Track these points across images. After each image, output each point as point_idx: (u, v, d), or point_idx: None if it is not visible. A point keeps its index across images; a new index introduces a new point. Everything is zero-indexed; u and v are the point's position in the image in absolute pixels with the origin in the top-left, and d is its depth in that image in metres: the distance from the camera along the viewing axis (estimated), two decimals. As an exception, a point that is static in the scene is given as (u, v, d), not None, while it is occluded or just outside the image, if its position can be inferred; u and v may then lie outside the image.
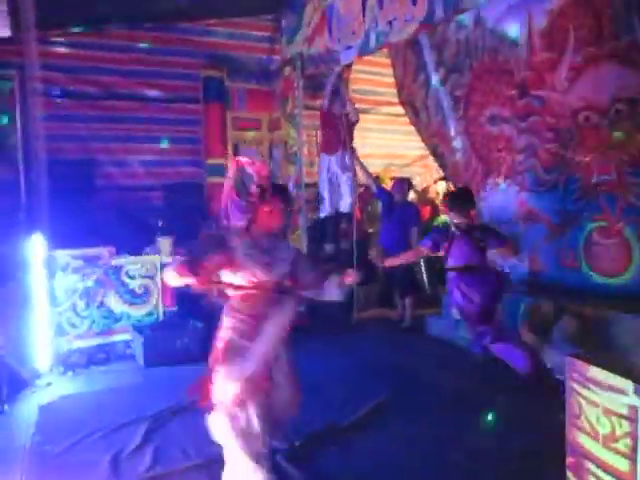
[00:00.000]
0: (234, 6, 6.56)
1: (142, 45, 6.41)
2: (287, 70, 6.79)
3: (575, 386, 2.39)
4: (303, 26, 6.49)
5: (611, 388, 2.17)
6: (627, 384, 2.10)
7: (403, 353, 5.29)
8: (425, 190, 8.31)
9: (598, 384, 2.24)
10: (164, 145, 6.62)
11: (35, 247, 4.84)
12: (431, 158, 7.10)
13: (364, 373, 4.70)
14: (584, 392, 2.33)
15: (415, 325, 6.06)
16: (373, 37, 5.30)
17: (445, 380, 4.45)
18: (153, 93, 6.53)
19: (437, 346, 5.51)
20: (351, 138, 6.42)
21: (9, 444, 3.50)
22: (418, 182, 8.27)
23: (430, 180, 8.30)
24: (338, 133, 6.32)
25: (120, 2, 5.53)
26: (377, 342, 5.71)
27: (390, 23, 5.01)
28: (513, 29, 5.05)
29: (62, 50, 6.07)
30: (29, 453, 3.37)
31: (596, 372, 2.26)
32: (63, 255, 5.06)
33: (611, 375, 2.18)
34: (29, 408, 4.11)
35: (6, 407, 4.07)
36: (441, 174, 7.51)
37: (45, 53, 5.65)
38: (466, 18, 5.37)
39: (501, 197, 5.52)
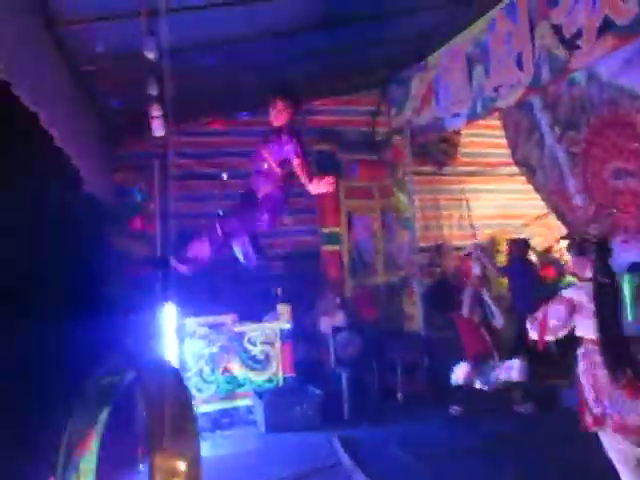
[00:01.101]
0: (345, 84, 6.95)
1: (259, 129, 6.94)
2: (396, 139, 6.99)
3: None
4: (410, 97, 6.70)
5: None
6: None
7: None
8: (547, 250, 7.93)
9: None
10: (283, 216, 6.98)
11: (168, 316, 5.24)
12: (551, 217, 6.82)
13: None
14: None
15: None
16: (480, 104, 5.36)
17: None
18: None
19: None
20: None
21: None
22: (539, 242, 7.93)
23: (551, 239, 7.91)
24: (482, 339, 5.69)
25: (242, 94, 6.10)
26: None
27: (497, 89, 5.06)
28: (632, 82, 4.87)
29: (191, 138, 6.72)
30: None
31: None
32: (192, 323, 5.42)
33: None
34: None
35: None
36: (563, 232, 7.14)
37: (177, 142, 6.38)
38: (578, 75, 5.27)
39: (629, 256, 5.14)
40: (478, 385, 5.48)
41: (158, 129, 4.52)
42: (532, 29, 4.50)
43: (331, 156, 7.01)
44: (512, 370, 5.36)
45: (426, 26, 5.44)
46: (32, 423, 2.96)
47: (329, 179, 3.64)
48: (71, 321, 3.79)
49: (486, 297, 5.62)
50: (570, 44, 4.15)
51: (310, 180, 3.75)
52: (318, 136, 7.02)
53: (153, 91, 3.88)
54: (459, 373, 5.50)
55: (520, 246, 6.29)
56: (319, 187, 3.67)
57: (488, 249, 7.56)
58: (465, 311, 5.62)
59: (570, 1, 4.08)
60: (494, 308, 5.56)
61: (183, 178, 6.66)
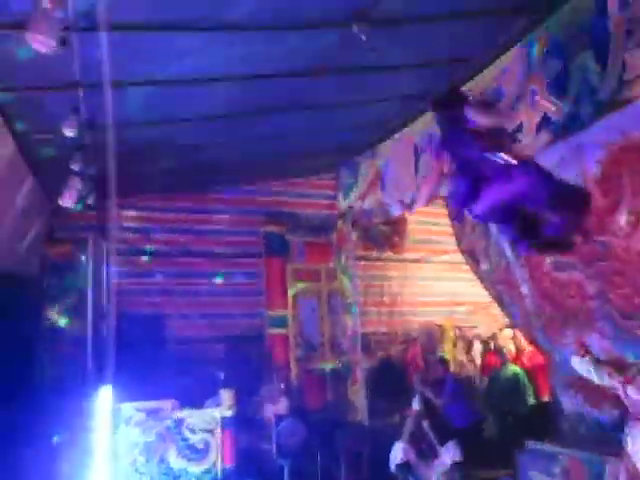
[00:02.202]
0: (297, 167, 7.11)
1: (210, 206, 6.96)
2: (340, 223, 7.14)
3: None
4: (357, 183, 6.93)
5: None
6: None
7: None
8: (491, 338, 8.07)
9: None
10: (226, 298, 6.85)
11: (103, 399, 4.90)
12: (494, 306, 6.98)
13: None
14: None
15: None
16: (426, 191, 5.58)
17: None
18: (219, 249, 6.95)
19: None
20: None
21: None
22: (483, 330, 8.08)
23: (495, 328, 8.07)
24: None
25: (189, 183, 6.16)
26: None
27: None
28: (568, 178, 5.17)
29: (135, 213, 6.65)
30: None
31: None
32: (128, 408, 5.09)
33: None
34: None
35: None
36: (506, 322, 7.32)
37: (120, 217, 6.36)
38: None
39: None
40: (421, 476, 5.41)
41: (66, 199, 4.43)
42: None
43: (280, 237, 7.04)
44: (448, 453, 5.37)
45: (379, 116, 5.70)
46: None
47: None
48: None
49: (426, 428, 5.69)
50: (511, 137, 4.43)
51: None
52: (268, 217, 7.08)
53: (76, 167, 3.86)
54: (398, 450, 5.43)
55: (444, 365, 6.71)
56: None
57: (436, 337, 7.64)
58: (405, 437, 5.65)
59: (511, 98, 4.40)
60: (434, 439, 5.61)
61: (130, 254, 6.51)
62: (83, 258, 5.61)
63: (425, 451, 5.57)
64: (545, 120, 4.14)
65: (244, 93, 4.43)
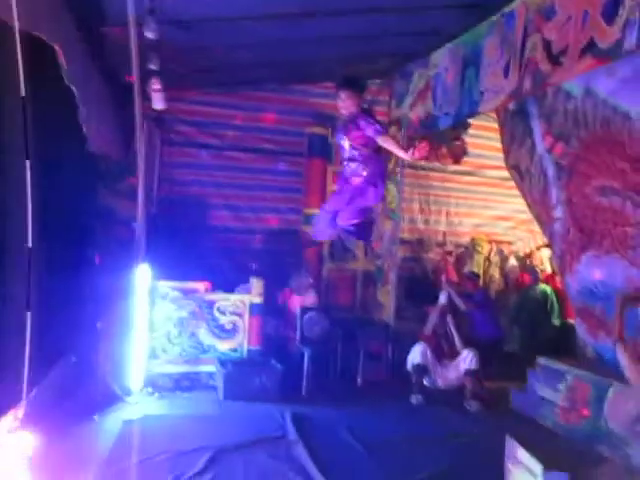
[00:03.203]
0: (348, 71, 6.94)
1: (260, 104, 7.00)
2: (392, 130, 7.03)
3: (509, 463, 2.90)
4: (410, 91, 6.74)
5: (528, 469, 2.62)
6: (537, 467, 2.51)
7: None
8: (527, 255, 8.05)
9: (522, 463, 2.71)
10: (267, 194, 7.08)
11: (142, 276, 5.37)
12: (535, 223, 6.92)
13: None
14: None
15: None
16: (466, 106, 5.44)
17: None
18: (265, 147, 7.08)
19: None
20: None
21: (90, 451, 3.87)
22: (521, 247, 8.04)
23: (533, 246, 8.02)
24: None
25: (241, 80, 6.14)
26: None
27: (482, 93, 5.12)
28: (627, 102, 4.91)
29: (192, 107, 6.80)
30: (105, 463, 3.69)
31: (522, 453, 2.73)
32: (164, 286, 5.56)
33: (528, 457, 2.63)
34: (115, 421, 4.51)
35: (96, 417, 4.49)
36: (545, 240, 7.26)
37: (179, 110, 6.59)
38: (575, 88, 5.31)
39: (602, 271, 5.25)
40: (432, 380, 5.73)
41: (158, 102, 4.61)
42: (524, 40, 4.54)
43: (324, 139, 7.06)
44: (465, 361, 5.64)
45: (434, 24, 5.46)
46: None
47: (423, 145, 3.73)
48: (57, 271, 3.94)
49: (450, 324, 5.96)
50: (555, 59, 4.21)
51: (404, 150, 3.85)
52: (312, 119, 7.07)
53: (153, 66, 3.96)
54: (417, 352, 5.74)
55: (474, 281, 6.91)
56: (415, 154, 3.75)
57: (468, 251, 7.70)
58: (428, 329, 6.00)
59: (563, 18, 4.12)
60: (456, 336, 5.88)
61: (183, 145, 6.77)
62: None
63: (445, 350, 5.87)
64: (590, 45, 3.88)
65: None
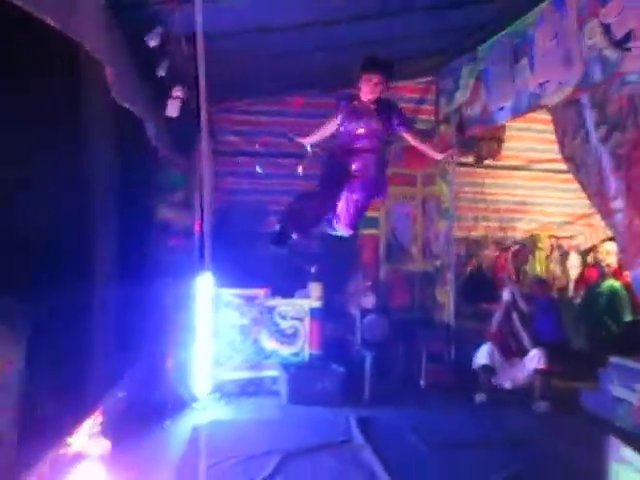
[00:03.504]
0: (396, 70, 6.92)
1: (305, 110, 7.06)
2: (443, 128, 6.95)
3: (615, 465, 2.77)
4: (460, 88, 6.63)
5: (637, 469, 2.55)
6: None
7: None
8: (590, 250, 7.76)
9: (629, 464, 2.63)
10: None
11: (205, 284, 5.51)
12: (596, 216, 6.66)
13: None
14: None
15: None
16: (525, 99, 5.27)
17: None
18: (315, 152, 7.10)
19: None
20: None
21: (162, 456, 4.00)
22: (581, 241, 7.77)
23: (596, 239, 7.72)
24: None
25: (283, 88, 6.22)
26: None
27: (542, 85, 4.96)
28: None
29: (239, 117, 6.98)
30: (177, 467, 3.81)
31: (627, 452, 2.67)
32: (227, 293, 5.69)
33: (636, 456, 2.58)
34: (185, 427, 4.64)
35: (167, 422, 4.64)
36: (608, 233, 6.98)
37: (227, 120, 6.81)
38: (630, 76, 5.09)
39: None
40: (501, 381, 5.59)
41: (172, 110, 4.62)
42: (581, 27, 4.38)
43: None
44: (532, 360, 5.47)
45: (477, 17, 5.37)
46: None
47: (451, 151, 3.72)
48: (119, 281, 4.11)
49: (516, 321, 5.81)
50: (621, 46, 4.03)
51: (433, 148, 3.82)
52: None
53: (161, 72, 4.02)
54: (483, 352, 5.64)
55: (543, 287, 6.73)
56: (444, 155, 3.72)
57: (528, 247, 7.50)
58: (494, 327, 5.88)
59: (621, 1, 3.96)
60: (523, 333, 5.74)
61: (231, 155, 6.93)
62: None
63: (513, 348, 5.74)
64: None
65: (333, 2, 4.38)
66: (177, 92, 4.37)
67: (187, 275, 5.44)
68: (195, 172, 6.16)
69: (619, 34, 4.02)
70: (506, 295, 5.92)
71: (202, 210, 5.59)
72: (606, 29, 4.13)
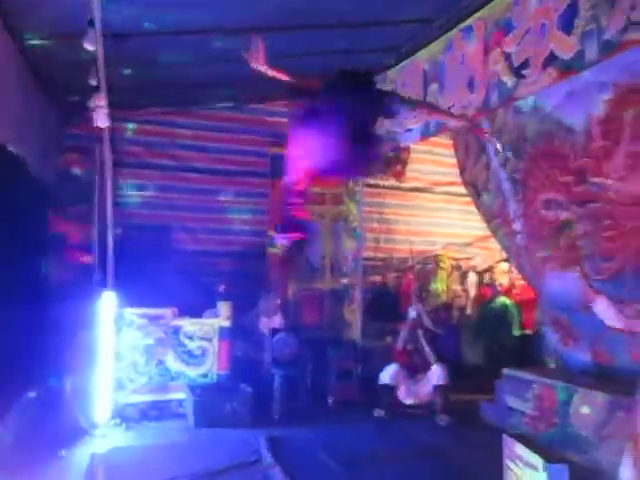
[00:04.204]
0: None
1: (217, 124, 7.00)
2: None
3: (508, 461, 2.97)
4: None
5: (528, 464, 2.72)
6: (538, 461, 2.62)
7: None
8: (486, 270, 8.26)
9: (521, 459, 2.79)
10: (232, 215, 7.05)
11: (107, 303, 5.23)
12: (492, 240, 7.12)
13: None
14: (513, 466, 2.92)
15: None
16: (433, 122, 5.54)
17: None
18: (224, 167, 7.06)
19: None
20: None
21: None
22: (479, 262, 8.26)
23: (491, 261, 8.25)
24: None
25: (200, 88, 6.12)
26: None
27: (449, 109, 5.24)
28: (571, 116, 5.14)
29: (144, 127, 6.71)
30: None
31: (520, 449, 2.83)
32: (130, 313, 5.43)
33: (528, 452, 2.73)
34: (83, 455, 4.33)
35: (63, 452, 4.31)
36: (503, 255, 7.47)
37: (128, 130, 6.51)
38: (524, 104, 5.52)
39: (560, 283, 5.44)
40: (404, 396, 5.77)
41: (101, 120, 4.44)
42: (486, 54, 4.72)
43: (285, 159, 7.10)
44: (434, 375, 5.71)
45: (391, 40, 5.59)
46: None
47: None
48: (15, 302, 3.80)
49: (421, 337, 6.03)
50: (517, 73, 4.38)
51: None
52: (274, 138, 7.11)
53: (93, 81, 3.85)
54: (388, 373, 5.79)
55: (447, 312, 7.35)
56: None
57: (431, 267, 7.84)
58: (400, 345, 6.05)
59: (521, 31, 4.31)
60: (427, 349, 5.96)
61: (132, 166, 6.65)
62: (89, 168, 5.76)
63: (418, 364, 5.94)
64: (552, 57, 4.06)
65: (243, 13, 4.39)
66: (99, 101, 4.14)
67: (87, 293, 5.14)
68: (95, 185, 5.89)
69: (517, 62, 4.36)
70: (412, 313, 6.14)
71: (103, 224, 5.31)
72: (507, 57, 4.48)
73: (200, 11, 4.27)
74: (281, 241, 3.30)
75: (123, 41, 4.24)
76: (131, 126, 6.57)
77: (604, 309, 4.92)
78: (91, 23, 3.52)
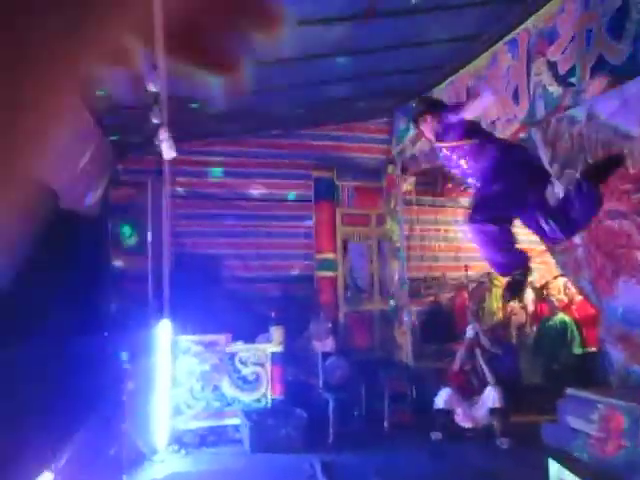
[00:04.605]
0: (349, 112, 7.13)
1: (262, 151, 7.15)
2: (391, 168, 7.17)
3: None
4: (410, 128, 6.89)
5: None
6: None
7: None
8: (543, 286, 8.01)
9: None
10: (278, 241, 7.13)
11: (164, 332, 5.37)
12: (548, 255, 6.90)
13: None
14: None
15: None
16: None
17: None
18: (271, 192, 7.18)
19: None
20: None
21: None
22: (537, 278, 8.02)
23: (549, 276, 7.99)
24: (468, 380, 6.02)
25: (246, 117, 6.29)
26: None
27: (493, 123, 5.19)
28: (627, 123, 4.98)
29: (193, 158, 6.88)
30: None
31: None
32: (185, 340, 5.56)
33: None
34: (143, 482, 4.44)
35: (125, 478, 4.42)
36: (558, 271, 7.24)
37: (179, 161, 6.61)
38: (579, 114, 5.39)
39: (630, 296, 5.21)
40: (460, 419, 5.63)
41: (168, 151, 4.65)
42: (529, 65, 4.65)
43: (330, 182, 7.18)
44: (489, 399, 5.55)
45: (434, 59, 5.63)
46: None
47: None
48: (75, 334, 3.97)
49: (479, 357, 5.90)
50: (564, 81, 4.29)
51: None
52: (317, 161, 7.20)
53: (157, 119, 4.05)
54: (441, 397, 5.69)
55: (505, 332, 7.16)
56: None
57: (485, 285, 7.67)
58: (456, 365, 5.94)
59: (566, 39, 4.23)
60: (485, 369, 5.81)
61: (185, 197, 6.86)
62: (143, 201, 5.97)
63: (475, 385, 5.81)
64: (601, 63, 3.95)
65: (292, 40, 4.49)
66: (163, 134, 4.37)
67: (144, 322, 5.30)
68: (148, 217, 6.09)
69: (563, 70, 4.28)
70: (470, 332, 6.02)
71: (159, 256, 5.50)
72: (551, 66, 4.40)
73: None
74: None
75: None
76: (183, 158, 6.77)
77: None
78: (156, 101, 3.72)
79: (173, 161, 6.58)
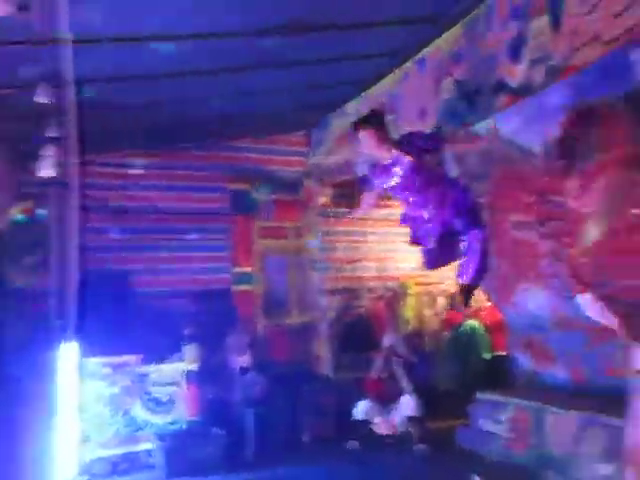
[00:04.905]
0: (266, 125, 7.06)
1: (176, 163, 6.91)
2: (307, 180, 7.21)
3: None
4: (325, 141, 6.95)
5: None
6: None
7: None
8: (455, 294, 8.28)
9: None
10: (192, 255, 6.88)
11: (68, 354, 4.99)
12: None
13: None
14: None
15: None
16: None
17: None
18: (185, 206, 6.94)
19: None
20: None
21: None
22: (449, 286, 8.29)
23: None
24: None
25: (158, 129, 6.08)
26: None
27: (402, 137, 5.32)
28: (529, 140, 5.27)
29: (100, 170, 6.47)
30: None
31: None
32: (93, 362, 5.21)
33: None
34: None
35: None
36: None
37: (90, 173, 6.21)
38: (482, 130, 5.65)
39: (533, 303, 5.50)
40: (378, 428, 5.73)
41: (45, 169, 4.27)
42: (438, 83, 4.83)
43: (247, 195, 7.08)
44: (405, 406, 5.73)
45: (350, 74, 5.67)
46: None
47: None
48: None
49: (396, 365, 6.07)
50: (469, 100, 4.50)
51: None
52: (235, 174, 7.07)
53: (52, 133, 3.74)
54: (360, 409, 5.81)
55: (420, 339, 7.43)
56: None
57: (398, 293, 7.84)
58: (374, 375, 6.10)
59: (472, 59, 4.44)
60: (402, 375, 5.99)
61: (92, 210, 6.45)
62: (46, 214, 5.56)
63: (392, 392, 5.92)
64: (502, 84, 4.19)
65: (210, 52, 4.39)
66: (47, 151, 4.00)
67: (45, 344, 4.90)
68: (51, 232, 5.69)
69: (469, 89, 4.47)
70: (387, 341, 6.14)
71: (64, 273, 5.12)
72: (458, 85, 4.59)
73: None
74: None
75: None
76: (94, 170, 6.40)
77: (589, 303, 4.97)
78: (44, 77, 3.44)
79: (83, 173, 6.23)
